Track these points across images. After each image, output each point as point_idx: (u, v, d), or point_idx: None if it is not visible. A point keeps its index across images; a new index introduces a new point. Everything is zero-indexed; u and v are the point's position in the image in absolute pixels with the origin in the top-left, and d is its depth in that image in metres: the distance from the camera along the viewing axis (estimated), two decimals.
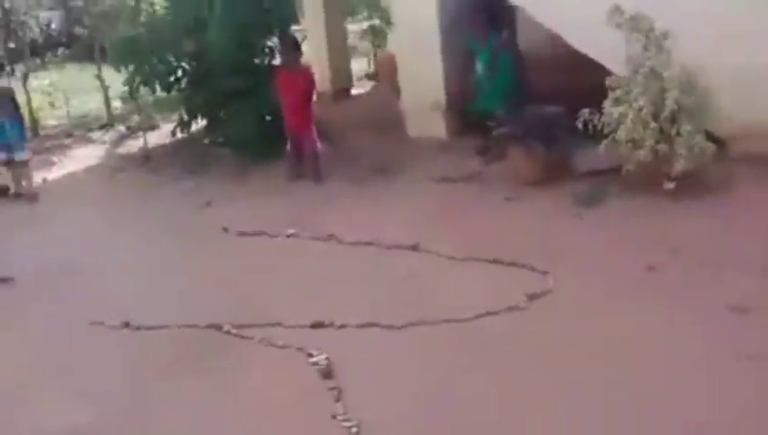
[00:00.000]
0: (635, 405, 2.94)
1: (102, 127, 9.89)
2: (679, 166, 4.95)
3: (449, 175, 6.11)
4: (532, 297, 3.95)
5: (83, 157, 8.58)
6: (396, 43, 7.62)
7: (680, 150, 4.89)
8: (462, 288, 4.18)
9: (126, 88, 7.94)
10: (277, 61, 7.70)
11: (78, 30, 16.78)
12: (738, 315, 3.54)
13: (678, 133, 4.88)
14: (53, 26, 17.68)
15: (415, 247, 4.77)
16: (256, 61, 7.67)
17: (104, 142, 9.24)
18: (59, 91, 11.06)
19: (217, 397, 3.35)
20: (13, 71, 11.40)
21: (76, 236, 5.79)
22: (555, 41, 6.04)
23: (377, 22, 8.99)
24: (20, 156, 6.97)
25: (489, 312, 3.81)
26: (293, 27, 8.15)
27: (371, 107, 9.50)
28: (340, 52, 10.32)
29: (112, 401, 3.36)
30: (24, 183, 7.06)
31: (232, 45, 7.03)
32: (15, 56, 12.46)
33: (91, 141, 9.30)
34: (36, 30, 14.06)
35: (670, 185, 5.09)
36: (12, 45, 14.03)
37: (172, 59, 7.72)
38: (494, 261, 4.43)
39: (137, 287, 4.69)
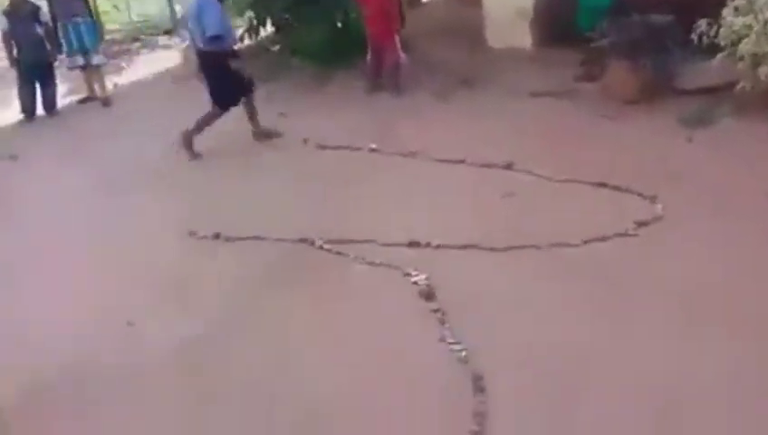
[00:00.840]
0: (758, 338, 2.71)
1: (167, 32, 9.68)
2: None
3: (538, 90, 5.75)
4: (641, 224, 3.69)
5: (151, 62, 8.44)
6: None
7: None
8: (565, 212, 3.92)
9: None
10: None
11: None
12: None
13: None
14: None
15: (509, 166, 4.52)
16: None
17: (170, 47, 9.03)
18: None
19: (316, 313, 3.25)
20: None
21: (156, 143, 5.68)
22: None
23: None
24: (95, 60, 6.84)
25: (597, 238, 3.58)
26: None
27: (447, 16, 9.01)
28: None
29: (213, 314, 3.29)
30: (97, 88, 6.96)
31: None
32: None
33: (157, 46, 9.11)
34: None
35: None
36: None
37: None
38: (598, 184, 4.15)
39: (221, 198, 4.59)
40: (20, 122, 6.61)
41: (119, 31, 9.73)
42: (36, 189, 5.14)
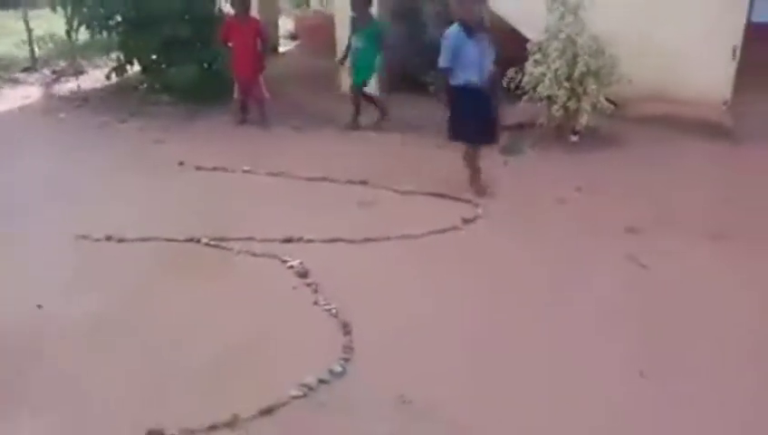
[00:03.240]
0: (538, 292, 3.80)
1: (25, 69, 9.76)
2: (584, 120, 5.90)
3: (387, 126, 6.83)
4: (466, 221, 4.76)
5: (14, 97, 8.54)
6: (337, 4, 8.11)
7: (586, 107, 5.82)
8: (410, 215, 4.89)
9: (46, 32, 7.96)
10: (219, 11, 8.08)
11: None
12: (632, 234, 4.51)
13: (585, 92, 5.80)
14: None
15: (364, 182, 5.44)
16: (198, 10, 7.96)
17: (32, 84, 9.17)
18: None
19: (208, 295, 3.85)
20: None
21: (42, 165, 6.00)
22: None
23: None
24: None
25: (433, 231, 4.57)
26: None
27: (301, 64, 10.02)
28: (270, 10, 10.70)
29: (112, 297, 3.81)
30: None
31: None
32: None
33: (17, 83, 9.20)
34: None
35: (575, 138, 6.06)
36: None
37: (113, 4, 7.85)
38: (435, 194, 5.19)
39: (108, 210, 5.02)
40: None
41: None
42: None
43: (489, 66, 5.02)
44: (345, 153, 6.25)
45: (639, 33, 6.30)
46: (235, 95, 7.20)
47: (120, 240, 4.49)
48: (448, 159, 5.52)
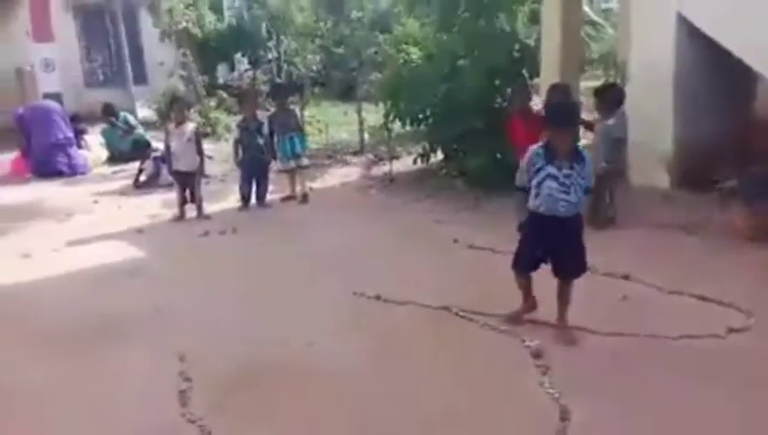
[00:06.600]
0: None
1: (355, 153, 11.56)
2: None
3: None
4: (731, 330, 4.36)
5: (339, 175, 10.23)
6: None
7: None
8: (669, 314, 4.67)
9: (376, 122, 9.42)
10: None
11: (334, 73, 19.46)
12: None
13: None
14: (314, 68, 20.47)
15: (627, 277, 5.32)
16: (495, 105, 8.68)
17: (356, 165, 10.83)
18: (320, 122, 13.16)
19: (440, 355, 4.30)
20: None
21: (343, 233, 7.14)
22: None
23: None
24: (304, 162, 8.73)
25: (691, 335, 4.29)
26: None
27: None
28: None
29: (371, 343, 4.43)
30: (298, 187, 8.72)
31: (480, 89, 8.12)
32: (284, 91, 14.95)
33: (346, 163, 10.97)
34: (303, 70, 16.62)
35: None
36: (280, 81, 16.87)
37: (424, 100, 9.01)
38: (700, 297, 4.85)
39: (386, 271, 5.80)
40: (239, 208, 8.46)
41: (317, 149, 11.76)
42: (249, 251, 6.75)
43: (573, 199, 4.19)
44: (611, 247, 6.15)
45: None
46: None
47: (386, 300, 5.14)
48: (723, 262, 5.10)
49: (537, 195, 4.24)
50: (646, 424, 3.44)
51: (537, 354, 4.14)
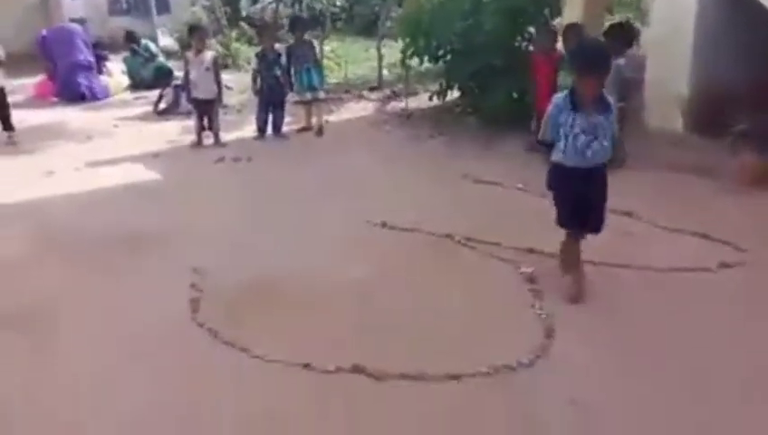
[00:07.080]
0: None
1: (372, 89, 11.58)
2: None
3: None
4: (722, 265, 4.50)
5: (356, 109, 10.31)
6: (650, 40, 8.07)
7: None
8: (662, 250, 4.81)
9: (396, 59, 9.40)
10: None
11: (356, 8, 19.22)
12: None
13: None
14: (338, 3, 20.17)
15: (629, 214, 5.42)
16: (515, 44, 8.62)
17: (373, 100, 10.88)
18: (339, 57, 13.09)
19: (442, 277, 4.48)
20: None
21: (355, 164, 7.29)
22: None
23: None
24: (320, 95, 8.82)
25: (683, 268, 4.44)
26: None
27: None
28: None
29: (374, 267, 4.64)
30: (314, 120, 8.83)
31: (499, 28, 8.06)
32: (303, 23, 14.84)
33: (363, 98, 11.01)
34: (325, 3, 16.48)
35: None
36: (302, 14, 16.70)
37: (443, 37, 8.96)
38: (701, 235, 4.98)
39: (394, 201, 5.98)
40: (255, 138, 8.62)
41: (335, 83, 11.80)
42: (263, 177, 6.95)
43: (599, 148, 3.99)
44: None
45: None
46: (533, 127, 7.60)
47: (391, 227, 5.32)
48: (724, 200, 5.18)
49: (564, 146, 4.03)
50: (626, 345, 3.62)
51: (531, 280, 4.32)
